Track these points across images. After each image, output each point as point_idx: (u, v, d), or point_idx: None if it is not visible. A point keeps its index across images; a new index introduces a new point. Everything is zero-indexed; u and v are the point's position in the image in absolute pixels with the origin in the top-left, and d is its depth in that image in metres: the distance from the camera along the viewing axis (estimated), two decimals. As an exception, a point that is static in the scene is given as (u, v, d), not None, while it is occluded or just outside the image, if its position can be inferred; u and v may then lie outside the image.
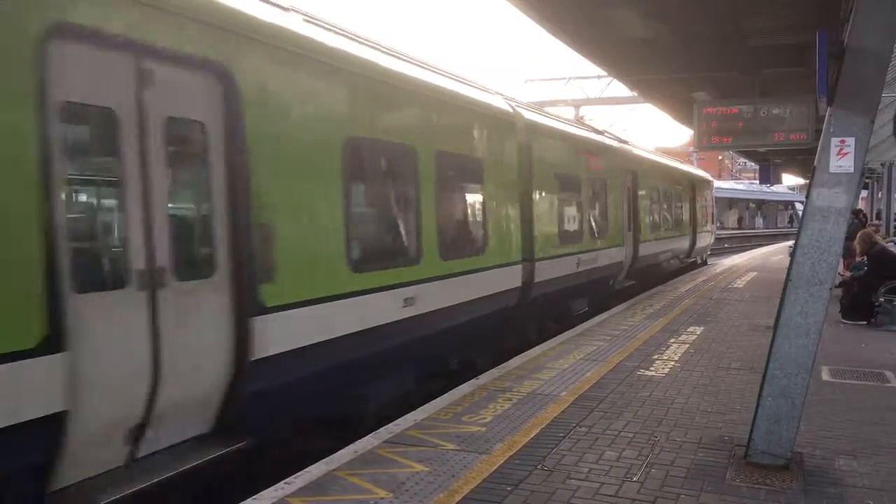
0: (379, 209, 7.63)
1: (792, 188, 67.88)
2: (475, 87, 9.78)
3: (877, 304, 11.55)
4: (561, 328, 11.75)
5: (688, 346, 9.94)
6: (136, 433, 4.61)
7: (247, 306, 5.26)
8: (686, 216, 23.14)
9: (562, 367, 8.56)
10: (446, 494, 4.80)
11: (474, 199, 9.45)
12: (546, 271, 11.19)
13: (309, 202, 6.08)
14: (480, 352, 9.82)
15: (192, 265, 5.05)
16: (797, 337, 5.20)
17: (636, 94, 20.68)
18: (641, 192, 17.46)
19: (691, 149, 45.66)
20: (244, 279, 5.24)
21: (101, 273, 4.56)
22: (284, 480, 5.04)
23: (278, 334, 5.53)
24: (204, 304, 5.01)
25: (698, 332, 11.02)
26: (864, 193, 33.65)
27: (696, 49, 12.30)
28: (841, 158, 5.15)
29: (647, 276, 18.08)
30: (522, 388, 7.58)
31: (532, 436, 6.00)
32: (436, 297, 7.92)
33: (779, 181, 35.96)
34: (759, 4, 9.97)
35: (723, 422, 6.40)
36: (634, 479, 5.07)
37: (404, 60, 7.95)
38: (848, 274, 12.92)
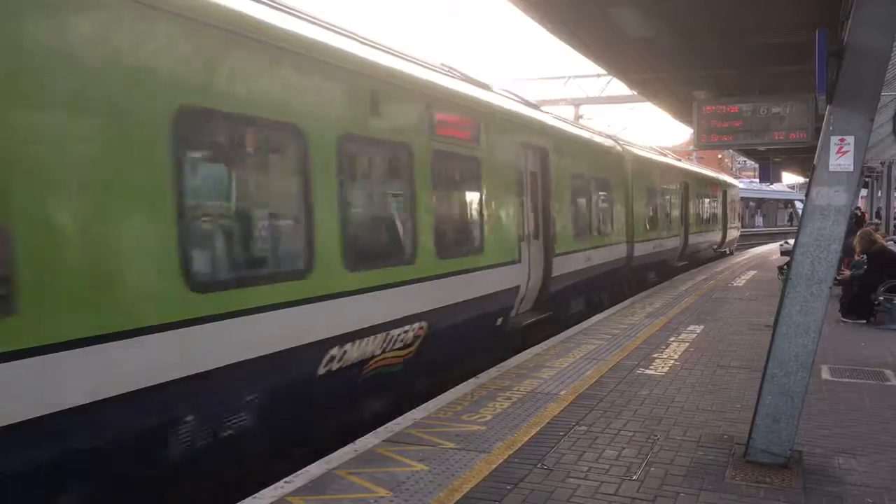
0: (600, 211, 14.82)
1: (792, 187, 67.88)
2: (606, 136, 17.09)
3: (876, 302, 11.55)
4: (641, 287, 17.84)
5: (687, 344, 9.94)
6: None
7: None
8: (719, 215, 29.70)
9: (561, 365, 8.57)
10: (446, 493, 4.80)
11: (607, 203, 15.45)
12: (638, 249, 17.33)
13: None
14: (610, 290, 16.06)
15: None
16: (797, 335, 5.20)
17: (636, 93, 20.68)
18: (692, 198, 23.78)
19: (691, 147, 45.65)
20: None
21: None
22: (284, 479, 5.04)
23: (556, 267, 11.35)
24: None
25: (698, 331, 11.02)
26: (863, 192, 33.65)
27: (696, 48, 12.29)
28: (841, 157, 5.15)
29: (693, 259, 24.28)
30: (522, 386, 7.58)
31: (532, 434, 6.01)
32: (601, 256, 14.52)
33: (779, 180, 35.98)
34: (759, 3, 9.96)
35: (722, 420, 6.40)
36: (634, 477, 5.08)
37: (595, 133, 15.79)
38: (847, 273, 12.91)
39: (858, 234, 13.26)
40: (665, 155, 22.82)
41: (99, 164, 4.36)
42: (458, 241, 8.78)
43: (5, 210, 3.85)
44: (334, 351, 6.25)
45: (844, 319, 11.79)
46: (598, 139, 15.75)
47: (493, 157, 9.52)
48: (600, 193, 14.84)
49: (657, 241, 19.24)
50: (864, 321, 11.57)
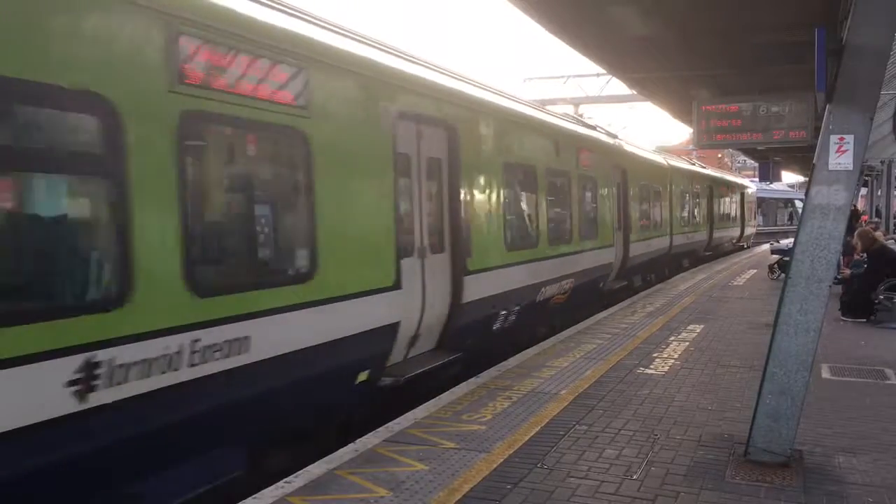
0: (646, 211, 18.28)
1: (791, 186, 67.86)
2: (654, 153, 21.96)
3: (876, 301, 11.55)
4: (678, 270, 22.59)
5: (688, 344, 9.94)
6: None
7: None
8: (738, 214, 34.28)
9: (561, 365, 8.57)
10: (446, 493, 4.80)
11: (652, 205, 19.13)
12: (676, 241, 21.67)
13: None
14: (658, 270, 20.45)
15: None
16: (797, 334, 5.20)
17: (635, 93, 20.68)
18: (715, 199, 28.36)
19: (691, 147, 45.64)
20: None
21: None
22: (285, 479, 5.04)
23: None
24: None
25: (698, 331, 11.02)
26: (863, 191, 33.64)
27: (696, 47, 12.29)
28: (840, 156, 5.15)
29: (715, 251, 28.75)
30: (522, 386, 7.58)
31: (532, 434, 6.01)
32: (656, 245, 19.18)
33: (778, 179, 36.22)
34: (758, 2, 9.96)
35: (722, 419, 6.40)
36: (634, 477, 5.07)
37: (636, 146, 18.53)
38: (847, 272, 12.91)
39: (858, 232, 13.27)
40: (693, 164, 28.47)
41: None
42: (589, 231, 13.53)
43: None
44: (542, 289, 11.08)
45: (844, 318, 11.79)
46: (657, 159, 21.24)
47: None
48: (651, 197, 19.12)
49: (689, 235, 23.95)
50: (865, 320, 11.57)
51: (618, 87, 26.74)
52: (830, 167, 5.17)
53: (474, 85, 9.57)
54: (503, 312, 9.73)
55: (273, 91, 5.59)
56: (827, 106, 5.33)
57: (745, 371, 8.16)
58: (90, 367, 4.11)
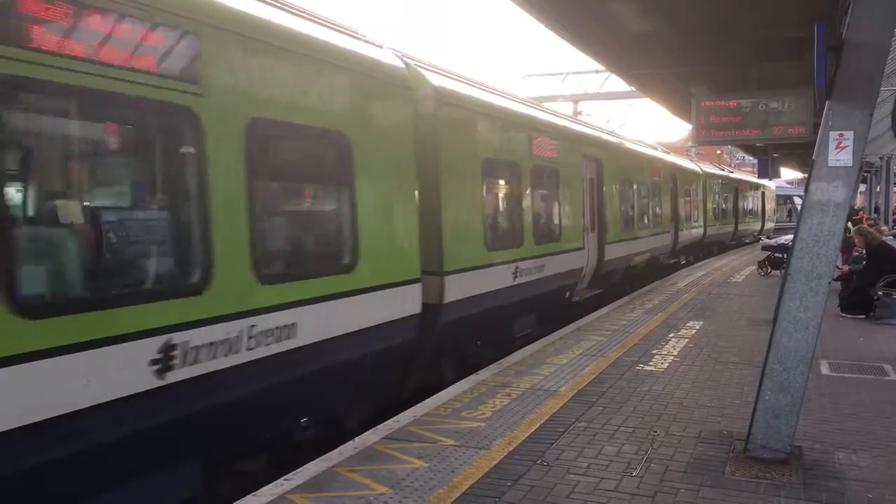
0: (693, 208, 24.34)
1: (791, 182, 67.88)
2: (693, 163, 27.32)
3: (875, 297, 11.55)
4: (710, 254, 27.25)
5: (687, 340, 9.95)
6: None
7: None
8: (759, 211, 40.32)
9: (561, 362, 8.57)
10: (446, 490, 4.80)
11: (695, 203, 24.29)
12: (709, 231, 26.72)
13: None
14: (696, 253, 25.50)
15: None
16: (796, 331, 5.20)
17: (634, 89, 20.65)
18: (740, 199, 34.04)
19: (690, 143, 45.61)
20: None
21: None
22: (284, 477, 5.04)
23: (681, 237, 18.65)
24: None
25: (697, 327, 11.02)
26: (862, 187, 33.64)
27: (695, 43, 12.28)
28: (839, 152, 5.14)
29: (739, 240, 34.08)
30: (522, 383, 7.58)
31: (531, 431, 6.00)
32: (692, 234, 24.20)
33: (777, 175, 36.41)
34: (757, -2, 9.96)
35: (722, 416, 6.40)
36: (634, 473, 5.07)
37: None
38: (846, 268, 12.92)
39: (856, 229, 13.28)
40: (722, 170, 34.01)
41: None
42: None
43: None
44: (634, 258, 16.78)
45: (844, 315, 11.79)
46: (699, 169, 26.42)
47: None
48: (692, 198, 24.27)
49: (718, 227, 29.09)
50: (864, 316, 11.58)
51: (617, 83, 26.69)
52: (830, 164, 5.16)
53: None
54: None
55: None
56: (826, 102, 5.32)
57: (745, 367, 8.16)
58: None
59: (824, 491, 4.74)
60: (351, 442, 5.76)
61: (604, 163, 14.34)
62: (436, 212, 7.94)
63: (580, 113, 29.76)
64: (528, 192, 10.55)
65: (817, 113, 7.47)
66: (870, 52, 5.17)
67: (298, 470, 5.18)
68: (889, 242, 13.33)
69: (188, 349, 4.63)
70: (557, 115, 13.85)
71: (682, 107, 19.08)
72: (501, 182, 10.23)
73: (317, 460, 5.37)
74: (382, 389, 7.36)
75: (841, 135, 5.14)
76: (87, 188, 4.75)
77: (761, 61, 12.68)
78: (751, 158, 47.81)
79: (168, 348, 4.49)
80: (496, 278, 9.39)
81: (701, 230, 25.53)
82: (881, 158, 29.03)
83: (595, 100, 31.24)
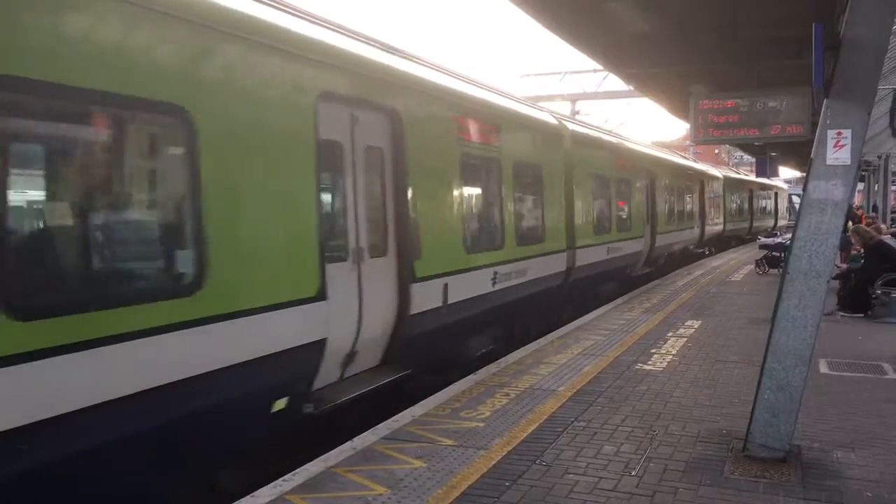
0: (712, 207, 28.19)
1: (789, 181, 67.95)
2: (714, 167, 33.10)
3: (874, 296, 11.55)
4: (729, 247, 31.02)
5: (686, 339, 9.94)
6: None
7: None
8: (772, 210, 45.69)
9: (560, 361, 8.56)
10: (444, 490, 4.79)
11: (714, 204, 28.57)
12: (728, 227, 31.33)
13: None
14: (717, 246, 29.97)
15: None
16: (795, 330, 5.19)
17: (632, 89, 20.65)
18: (755, 199, 39.48)
19: (688, 143, 45.60)
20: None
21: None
22: (282, 478, 5.02)
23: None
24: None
25: (696, 326, 11.02)
26: (860, 186, 33.65)
27: (692, 42, 12.27)
28: (838, 150, 5.14)
29: (753, 235, 35.12)
30: (520, 383, 7.57)
31: (530, 431, 6.00)
32: (713, 230, 28.08)
33: (776, 174, 36.64)
34: (755, -4, 9.95)
35: (721, 415, 6.40)
36: (633, 473, 5.07)
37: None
38: (844, 266, 12.92)
39: (853, 228, 13.29)
40: (738, 173, 40.42)
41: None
42: (687, 218, 23.45)
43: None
44: (673, 246, 21.42)
45: (842, 313, 11.79)
46: (720, 174, 31.26)
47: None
48: (714, 199, 28.38)
49: (735, 223, 33.58)
50: (862, 315, 11.58)
51: (615, 83, 26.72)
52: (828, 162, 5.16)
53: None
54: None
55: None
56: (824, 101, 5.31)
57: (744, 366, 8.15)
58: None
59: (823, 490, 4.74)
60: (349, 442, 5.75)
61: (657, 174, 19.51)
62: (570, 206, 12.78)
63: (578, 112, 29.74)
64: (613, 193, 15.70)
65: (815, 112, 7.47)
66: (868, 50, 5.16)
67: (297, 470, 5.16)
68: (886, 241, 13.32)
69: (500, 274, 9.50)
70: (635, 142, 19.85)
71: (680, 106, 19.06)
72: (601, 188, 15.00)
73: (315, 461, 5.36)
74: (549, 312, 12.44)
75: (839, 133, 5.14)
76: None
77: (759, 60, 12.68)
78: (749, 157, 47.94)
79: (495, 273, 9.39)
80: (630, 248, 16.56)
81: (721, 226, 30.14)
82: (879, 157, 29.02)
83: (593, 99, 31.25)
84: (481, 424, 6.17)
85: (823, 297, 5.21)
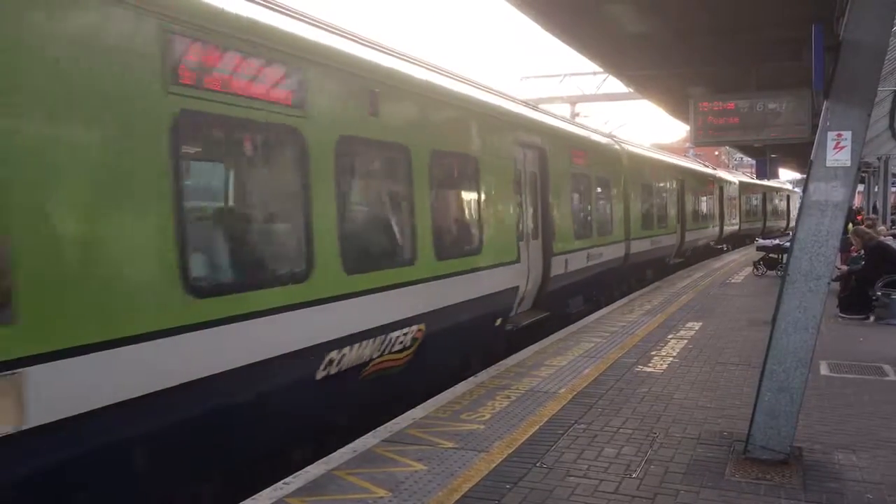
0: (731, 210, 32.66)
1: (791, 183, 68.02)
2: (733, 175, 38.12)
3: (874, 298, 11.54)
4: (744, 243, 33.44)
5: (686, 341, 9.94)
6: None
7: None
8: (784, 211, 49.41)
9: (560, 364, 8.55)
10: (445, 493, 4.78)
11: (730, 208, 32.63)
12: (743, 226, 35.72)
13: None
14: (733, 242, 32.96)
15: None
16: (795, 332, 5.19)
17: (632, 91, 20.65)
18: (769, 202, 44.11)
19: (688, 144, 45.64)
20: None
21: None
22: (283, 480, 5.02)
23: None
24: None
25: (697, 328, 11.02)
26: (860, 188, 33.66)
27: (692, 44, 12.26)
28: (838, 152, 5.14)
29: (767, 233, 37.05)
30: (521, 385, 7.57)
31: (531, 433, 5.99)
32: (730, 228, 32.16)
33: (776, 176, 37.00)
34: (754, -1, 9.94)
35: (721, 417, 6.39)
36: (633, 475, 5.06)
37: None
38: (845, 268, 12.91)
39: (853, 230, 13.28)
40: (758, 181, 41.36)
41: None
42: (709, 219, 27.60)
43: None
44: (698, 241, 25.49)
45: (843, 315, 11.79)
46: (736, 180, 35.26)
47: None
48: (731, 202, 32.42)
49: (749, 224, 37.76)
50: (863, 317, 11.57)
51: (614, 85, 26.82)
52: (828, 164, 5.16)
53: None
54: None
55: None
56: (824, 102, 5.31)
57: (744, 368, 8.15)
58: None
59: (824, 491, 4.74)
60: (350, 445, 5.75)
61: (685, 181, 23.30)
62: (626, 208, 16.45)
63: (578, 114, 29.78)
64: (655, 198, 19.64)
65: (815, 113, 7.47)
66: (867, 51, 5.16)
67: (298, 473, 5.17)
68: (886, 242, 13.31)
69: (590, 255, 13.71)
70: (667, 155, 24.60)
71: (679, 108, 19.06)
72: (646, 194, 18.90)
73: (316, 463, 5.36)
74: (612, 285, 16.28)
75: (839, 135, 5.14)
76: None
77: (759, 62, 12.67)
78: (749, 159, 48.05)
79: (590, 253, 13.71)
80: (666, 241, 20.77)
81: (737, 226, 34.41)
82: (879, 158, 29.04)
83: (593, 101, 31.29)
84: (482, 427, 6.17)
85: (824, 299, 5.21)
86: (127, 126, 4.38)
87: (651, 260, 19.45)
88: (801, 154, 25.18)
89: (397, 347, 7.03)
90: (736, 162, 72.93)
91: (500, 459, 5.40)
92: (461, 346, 9.00)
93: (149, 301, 4.40)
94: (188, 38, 4.80)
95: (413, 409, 6.72)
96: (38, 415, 3.73)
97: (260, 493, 4.83)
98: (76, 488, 4.15)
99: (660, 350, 9.34)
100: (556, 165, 12.07)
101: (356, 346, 6.32)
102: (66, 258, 4.00)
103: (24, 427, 3.69)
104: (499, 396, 7.13)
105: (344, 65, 6.53)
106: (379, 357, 6.78)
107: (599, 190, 14.95)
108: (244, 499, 4.79)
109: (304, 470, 5.23)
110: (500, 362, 8.70)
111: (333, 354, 6.05)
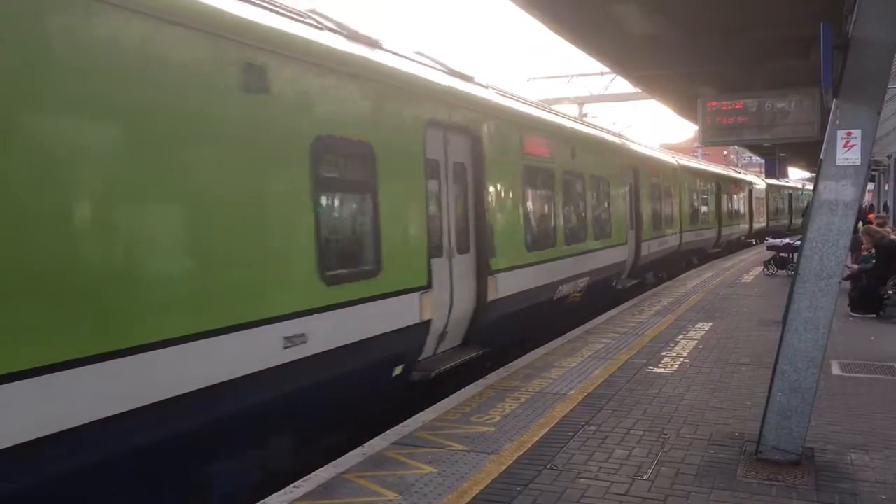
0: (750, 209, 36.21)
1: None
2: (754, 176, 40.74)
3: (885, 296, 11.48)
4: (762, 238, 32.41)
5: (696, 342, 9.90)
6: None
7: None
8: (789, 209, 51.62)
9: (570, 365, 8.54)
10: (455, 496, 4.78)
11: (751, 206, 36.64)
12: (771, 223, 41.08)
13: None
14: (758, 238, 35.84)
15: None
16: (806, 331, 5.16)
17: (640, 91, 20.63)
18: (794, 199, 51.44)
19: (696, 144, 45.49)
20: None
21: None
22: (293, 484, 5.02)
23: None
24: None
25: (707, 328, 10.97)
26: (870, 186, 33.47)
27: (700, 43, 12.24)
28: (847, 150, 5.11)
29: (791, 231, 39.79)
30: (530, 387, 7.55)
31: (541, 435, 5.98)
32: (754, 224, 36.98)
33: (785, 175, 37.14)
34: (762, -3, 9.92)
35: (733, 418, 6.36)
36: (645, 477, 5.04)
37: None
38: (856, 267, 12.84)
39: (863, 229, 13.21)
40: (779, 180, 43.87)
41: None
42: (739, 216, 32.96)
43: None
44: (732, 236, 31.07)
45: (854, 314, 11.72)
46: (763, 183, 39.65)
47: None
48: (758, 202, 36.76)
49: (775, 221, 42.21)
50: (874, 315, 11.50)
51: (622, 85, 26.78)
52: (838, 162, 5.13)
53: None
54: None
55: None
56: (833, 101, 5.28)
57: (755, 369, 8.11)
58: None
59: (837, 492, 4.71)
60: (360, 447, 5.75)
61: (721, 186, 28.17)
62: (681, 208, 20.52)
63: (586, 115, 29.74)
64: (698, 200, 24.43)
65: (824, 112, 7.43)
66: (877, 49, 5.13)
67: (307, 477, 5.16)
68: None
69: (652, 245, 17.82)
70: (706, 163, 30.82)
71: (688, 107, 19.04)
72: (693, 197, 23.37)
73: (326, 466, 5.36)
74: (673, 263, 20.78)
75: (849, 133, 5.11)
76: None
77: (767, 61, 12.64)
78: (758, 158, 47.80)
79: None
80: (708, 235, 26.00)
81: (765, 223, 39.06)
82: (889, 157, 28.85)
83: (601, 102, 31.24)
84: (492, 429, 6.16)
85: (835, 299, 5.18)
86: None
87: (696, 249, 24.68)
88: (810, 153, 25.10)
89: None
90: (745, 161, 72.67)
91: (511, 462, 5.39)
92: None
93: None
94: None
95: (423, 412, 6.72)
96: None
97: (270, 497, 4.84)
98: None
99: (670, 351, 9.31)
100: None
101: None
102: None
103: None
104: (509, 398, 7.12)
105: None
106: None
107: (662, 195, 19.28)
108: (254, 503, 4.80)
109: (313, 473, 5.23)
110: (510, 364, 8.69)
111: None
